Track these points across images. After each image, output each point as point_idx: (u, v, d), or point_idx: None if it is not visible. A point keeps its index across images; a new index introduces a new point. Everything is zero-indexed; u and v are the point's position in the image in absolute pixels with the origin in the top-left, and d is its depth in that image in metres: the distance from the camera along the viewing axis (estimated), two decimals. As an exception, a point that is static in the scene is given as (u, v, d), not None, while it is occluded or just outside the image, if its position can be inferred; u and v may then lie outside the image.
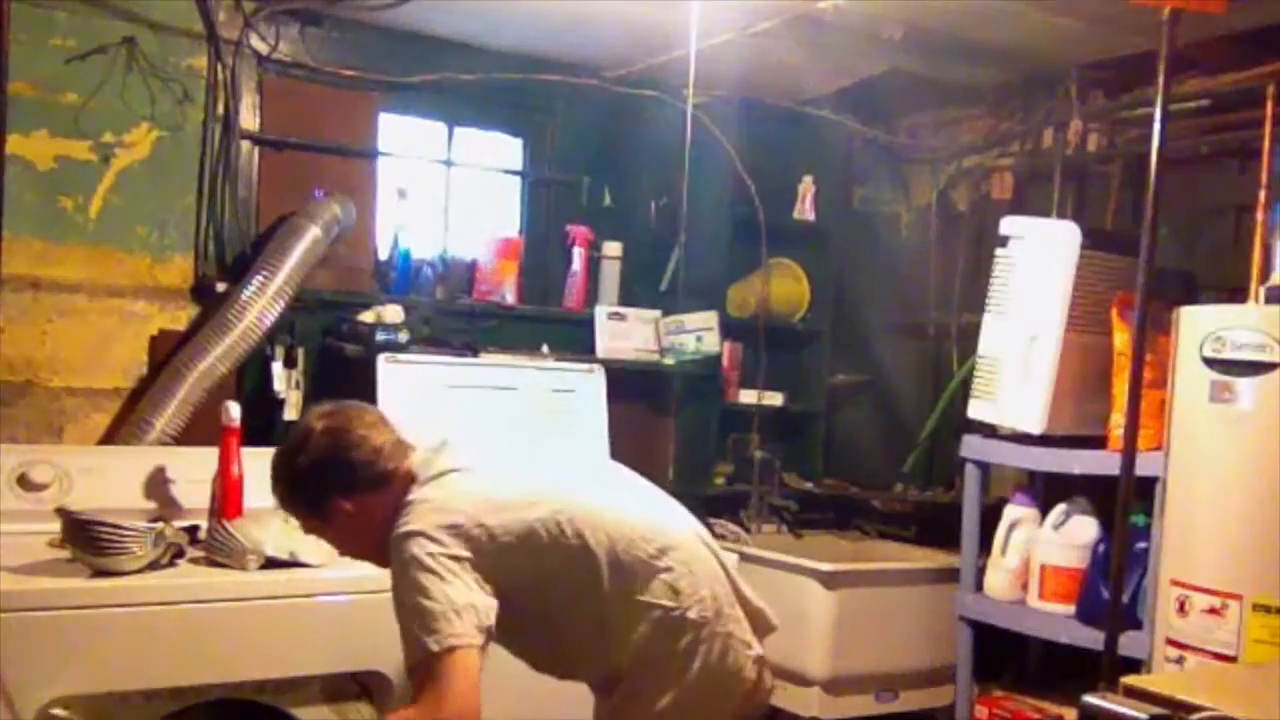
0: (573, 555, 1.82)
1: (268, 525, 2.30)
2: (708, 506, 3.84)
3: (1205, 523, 2.61)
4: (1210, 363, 2.58)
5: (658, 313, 3.87)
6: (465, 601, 1.70)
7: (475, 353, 3.26)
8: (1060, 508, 3.08)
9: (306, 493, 1.89)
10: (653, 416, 3.93)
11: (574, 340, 3.71)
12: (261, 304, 3.00)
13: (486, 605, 1.73)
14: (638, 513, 1.92)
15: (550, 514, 1.82)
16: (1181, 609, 2.59)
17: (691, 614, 1.85)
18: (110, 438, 2.99)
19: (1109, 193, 3.57)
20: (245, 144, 3.27)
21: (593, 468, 2.07)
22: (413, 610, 1.70)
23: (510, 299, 3.64)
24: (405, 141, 3.69)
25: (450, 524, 1.76)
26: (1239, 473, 2.55)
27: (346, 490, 1.86)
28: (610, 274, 3.88)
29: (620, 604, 1.84)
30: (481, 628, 1.70)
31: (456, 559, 1.73)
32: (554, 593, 1.84)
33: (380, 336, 3.09)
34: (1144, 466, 2.56)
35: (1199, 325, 2.63)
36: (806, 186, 4.08)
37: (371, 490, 1.86)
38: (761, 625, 1.97)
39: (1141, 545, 2.76)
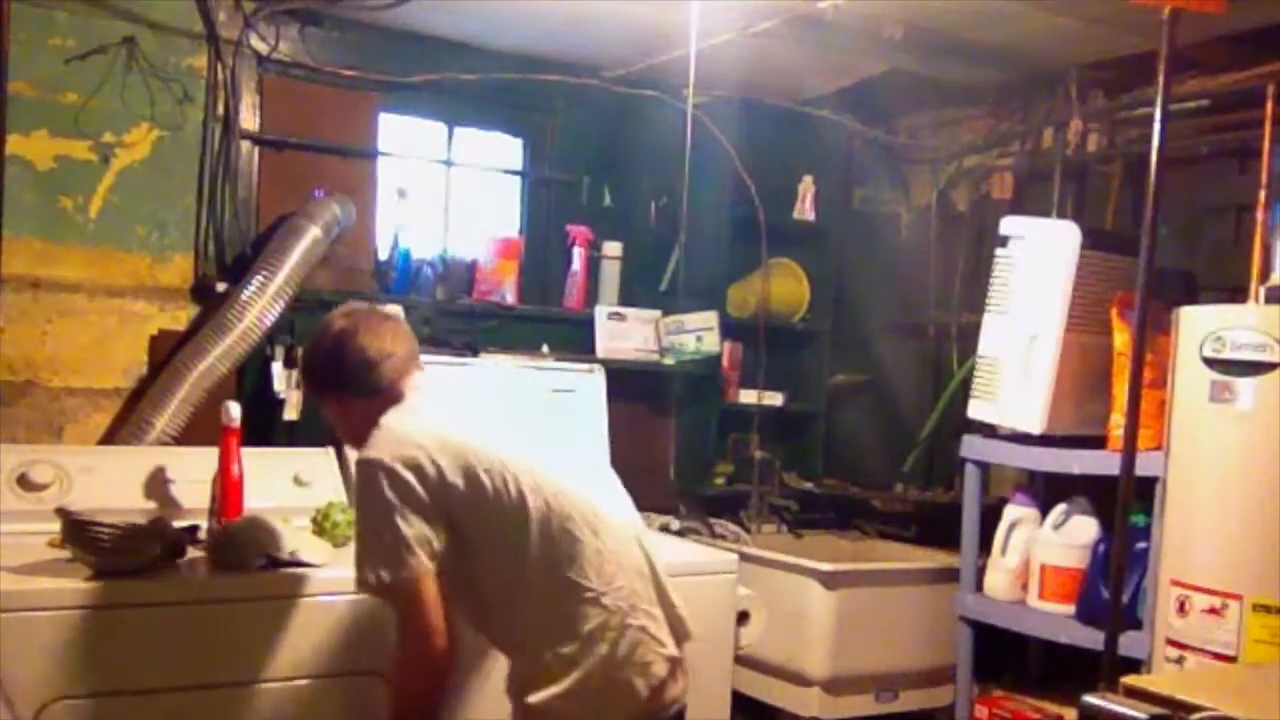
0: (508, 513, 1.88)
1: (268, 525, 2.29)
2: (708, 506, 3.84)
3: (1205, 523, 2.61)
4: (1210, 363, 2.59)
5: (658, 313, 3.87)
6: (418, 534, 1.84)
7: (475, 353, 3.26)
8: (1060, 508, 3.08)
9: (312, 381, 2.12)
10: (653, 416, 3.92)
11: (574, 340, 3.71)
12: (261, 304, 3.00)
13: (437, 534, 1.85)
14: (581, 493, 1.96)
15: (499, 468, 1.89)
16: (1181, 609, 2.59)
17: (606, 599, 1.89)
18: (110, 438, 2.99)
19: (1109, 193, 3.57)
20: (245, 144, 3.27)
21: (558, 449, 2.09)
22: (373, 541, 1.85)
23: (510, 299, 3.64)
24: (405, 141, 3.69)
25: (408, 457, 1.86)
26: (1239, 473, 2.55)
27: (339, 390, 2.04)
28: (610, 274, 3.88)
29: (540, 573, 1.89)
30: (433, 555, 1.85)
31: (410, 493, 1.84)
32: (482, 545, 1.90)
33: (380, 336, 3.08)
34: (1144, 466, 2.56)
35: (1199, 325, 2.63)
36: (806, 186, 4.08)
37: (361, 396, 2.01)
38: (680, 632, 2.01)
39: (1141, 545, 2.76)
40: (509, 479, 1.89)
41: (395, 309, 2.14)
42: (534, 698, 1.86)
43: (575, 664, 1.86)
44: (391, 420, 1.94)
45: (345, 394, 2.03)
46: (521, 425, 2.09)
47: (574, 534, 1.90)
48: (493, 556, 1.90)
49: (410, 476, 1.84)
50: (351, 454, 2.18)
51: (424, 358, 2.96)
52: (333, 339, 2.03)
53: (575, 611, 1.88)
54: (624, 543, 1.97)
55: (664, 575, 2.03)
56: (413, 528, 1.83)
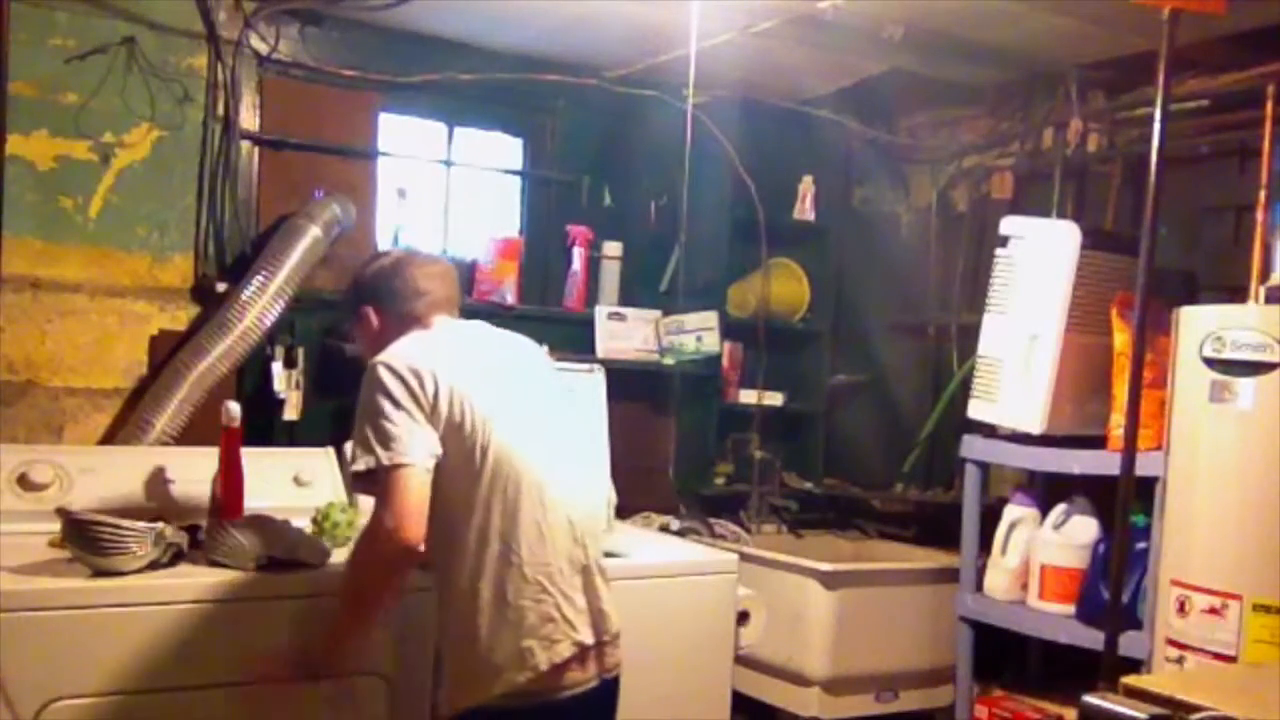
0: (471, 460, 1.95)
1: (268, 525, 2.30)
2: (708, 506, 3.84)
3: (1205, 523, 2.61)
4: (1210, 363, 2.59)
5: (658, 313, 3.87)
6: (421, 432, 1.92)
7: (475, 353, 3.25)
8: (1060, 508, 3.08)
9: (358, 291, 2.22)
10: (653, 416, 3.93)
11: (574, 340, 3.71)
12: (261, 304, 3.00)
13: (435, 439, 1.93)
14: (547, 471, 2.01)
15: (484, 416, 1.96)
16: (1181, 609, 2.59)
17: (527, 570, 1.94)
18: (110, 438, 2.99)
19: (1109, 193, 3.57)
20: (245, 144, 3.27)
21: (556, 427, 2.14)
22: (372, 426, 1.91)
23: (510, 299, 3.64)
24: (405, 141, 3.69)
25: (416, 367, 1.95)
26: (1239, 473, 2.55)
27: (378, 303, 2.17)
28: (610, 274, 3.88)
29: (478, 527, 1.94)
30: (431, 454, 1.92)
31: (414, 396, 1.93)
32: (441, 480, 1.94)
33: (380, 336, 3.09)
34: (1144, 466, 2.56)
35: (1199, 325, 2.63)
36: (806, 186, 4.09)
37: (393, 316, 2.14)
38: (600, 627, 2.03)
39: (1141, 545, 2.77)
40: (487, 431, 1.96)
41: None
42: (446, 640, 1.98)
43: (488, 619, 1.92)
44: (410, 338, 2.07)
45: (381, 309, 2.16)
46: (530, 392, 2.13)
47: (521, 504, 1.96)
48: (446, 494, 1.95)
49: (414, 383, 1.93)
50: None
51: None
52: (392, 261, 2.21)
53: (499, 573, 1.93)
54: (564, 530, 2.01)
55: (599, 573, 2.06)
56: (416, 425, 1.91)
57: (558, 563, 1.98)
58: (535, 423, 2.06)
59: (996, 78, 3.74)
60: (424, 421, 1.92)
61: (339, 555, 2.29)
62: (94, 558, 2.12)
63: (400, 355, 1.98)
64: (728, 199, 3.89)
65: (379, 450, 1.89)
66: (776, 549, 3.53)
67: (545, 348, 3.55)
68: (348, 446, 2.08)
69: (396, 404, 1.91)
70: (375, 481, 1.90)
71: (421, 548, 1.90)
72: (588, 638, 1.99)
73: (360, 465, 1.90)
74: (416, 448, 1.90)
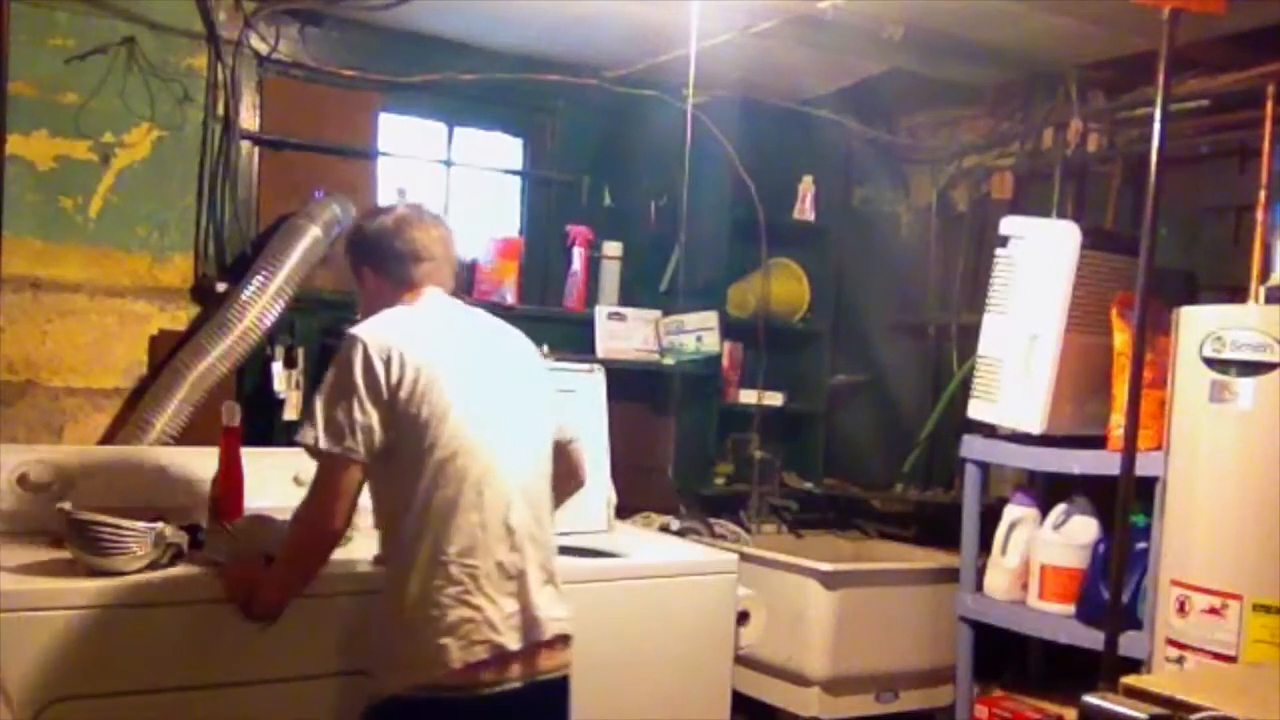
0: (422, 446, 1.96)
1: (268, 525, 2.29)
2: (708, 506, 3.84)
3: (1205, 523, 2.61)
4: (1210, 363, 2.59)
5: (658, 313, 3.87)
6: (367, 423, 1.93)
7: (475, 353, 3.25)
8: (1060, 508, 3.08)
9: (354, 248, 2.23)
10: (653, 416, 3.93)
11: (574, 340, 3.71)
12: (261, 304, 3.00)
13: (383, 429, 1.94)
14: (498, 474, 2.01)
15: (445, 406, 1.97)
16: (1181, 609, 2.59)
17: (453, 569, 1.95)
18: (110, 438, 2.99)
19: (1109, 193, 3.57)
20: (245, 144, 3.27)
21: (526, 425, 2.14)
22: (329, 409, 1.94)
23: (510, 299, 3.64)
24: (405, 141, 3.69)
25: (385, 346, 1.96)
26: (1239, 473, 2.55)
27: (374, 263, 2.18)
28: (610, 274, 3.88)
29: (416, 517, 1.96)
30: (370, 448, 1.94)
31: (375, 382, 1.94)
32: (390, 459, 1.96)
33: (380, 336, 3.09)
34: (1144, 466, 2.56)
35: (1199, 325, 2.63)
36: (806, 186, 4.09)
37: (389, 279, 2.16)
38: (533, 633, 2.02)
39: (1141, 545, 2.76)
40: (443, 427, 1.96)
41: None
42: (374, 625, 2.01)
43: (411, 612, 1.94)
44: (396, 313, 2.08)
45: (380, 270, 2.17)
46: (505, 392, 2.12)
47: (459, 504, 1.96)
48: (390, 483, 1.98)
49: (380, 366, 1.95)
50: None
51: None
52: (393, 220, 2.18)
53: (428, 569, 1.94)
54: (499, 534, 2.00)
55: (537, 580, 2.04)
56: (365, 415, 1.93)
57: (486, 565, 1.97)
58: (500, 422, 2.05)
59: (996, 78, 3.74)
60: (378, 415, 1.94)
61: (338, 555, 2.29)
62: (94, 558, 2.12)
63: (378, 334, 1.99)
64: (728, 199, 3.89)
65: (324, 435, 1.93)
66: (776, 549, 3.53)
67: (545, 348, 3.58)
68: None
69: (355, 391, 1.93)
70: (314, 460, 1.97)
71: (340, 536, 1.99)
72: (511, 643, 1.97)
73: (306, 439, 1.95)
74: (360, 441, 1.93)
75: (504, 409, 2.09)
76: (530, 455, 2.12)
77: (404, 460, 1.96)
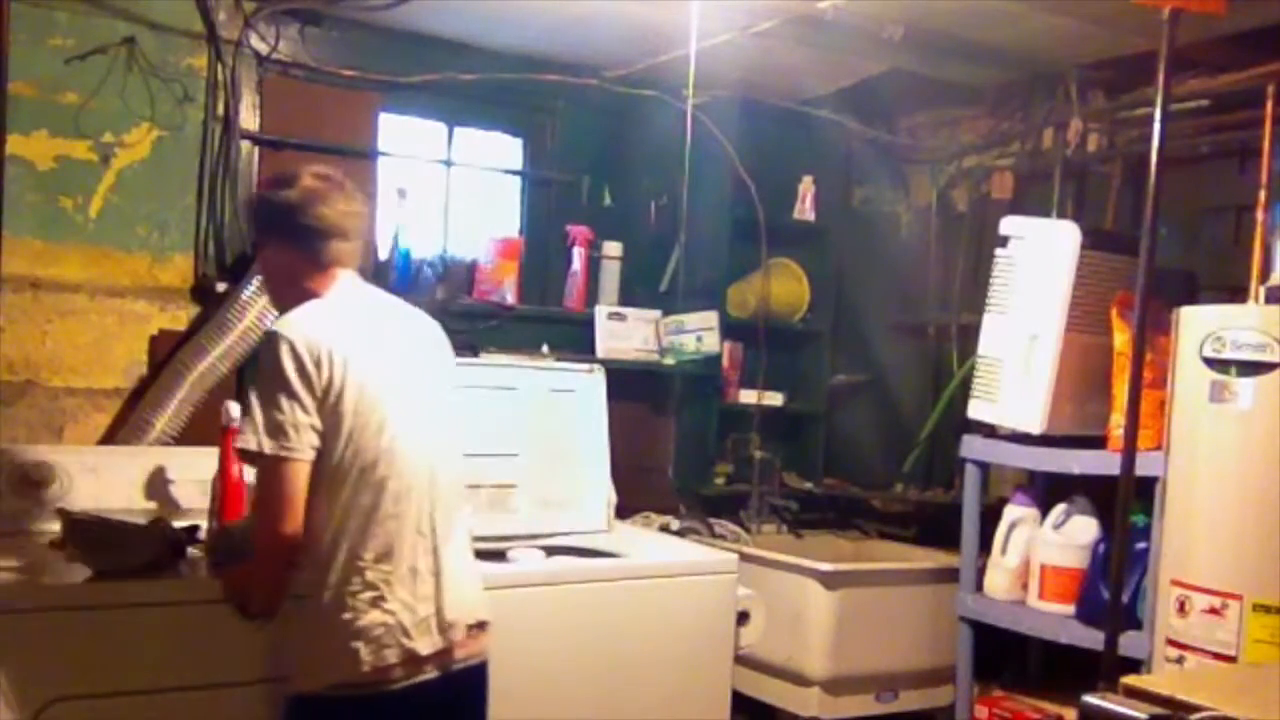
0: (350, 450, 1.94)
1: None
2: (708, 506, 3.84)
3: (1205, 523, 2.61)
4: (1210, 363, 2.59)
5: (658, 313, 3.87)
6: (308, 421, 1.90)
7: (475, 353, 3.26)
8: (1060, 508, 3.08)
9: (261, 223, 2.13)
10: (653, 416, 3.93)
11: (574, 340, 3.71)
12: (261, 304, 3.00)
13: (318, 429, 1.91)
14: (418, 477, 2.00)
15: (372, 406, 1.95)
16: (1181, 609, 2.59)
17: (369, 574, 1.94)
18: (110, 438, 2.99)
19: (1109, 193, 3.57)
20: (245, 144, 3.27)
21: (445, 421, 2.14)
22: (266, 410, 1.89)
23: (510, 299, 3.64)
24: (405, 141, 3.68)
25: (316, 347, 1.91)
26: (1239, 473, 2.55)
27: (284, 241, 2.06)
28: (610, 274, 3.88)
29: (339, 519, 1.94)
30: (313, 446, 1.91)
31: (309, 381, 1.90)
32: (318, 465, 1.93)
33: (380, 336, 3.09)
34: (1144, 466, 2.56)
35: (1199, 325, 2.63)
36: (806, 186, 4.08)
37: (297, 258, 2.05)
38: (449, 636, 2.01)
39: (1141, 545, 2.77)
40: (366, 432, 1.94)
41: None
42: (291, 622, 1.98)
43: (325, 614, 1.93)
44: (315, 308, 2.00)
45: (286, 247, 2.06)
46: (425, 389, 2.12)
47: (379, 511, 1.95)
48: (314, 485, 1.94)
49: (311, 366, 1.90)
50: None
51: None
52: (300, 194, 2.04)
53: (345, 572, 1.94)
54: (413, 538, 2.00)
55: (453, 577, 2.04)
56: (305, 413, 1.90)
57: (401, 570, 1.97)
58: (422, 425, 2.05)
59: (996, 78, 3.74)
60: (314, 412, 1.91)
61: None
62: (94, 558, 2.12)
63: (305, 332, 1.93)
64: (728, 199, 3.89)
65: (266, 438, 1.88)
66: (776, 549, 3.53)
67: (545, 347, 3.59)
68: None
69: (292, 391, 1.89)
70: (257, 467, 1.93)
71: (300, 536, 1.92)
72: (423, 648, 1.97)
73: (249, 445, 1.89)
74: (304, 441, 1.90)
75: (425, 410, 2.09)
76: (449, 451, 2.13)
77: (327, 464, 1.93)
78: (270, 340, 1.94)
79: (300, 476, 1.91)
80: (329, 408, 1.91)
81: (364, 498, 1.95)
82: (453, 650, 2.02)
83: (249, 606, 2.01)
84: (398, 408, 1.99)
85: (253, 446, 1.89)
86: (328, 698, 1.94)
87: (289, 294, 2.07)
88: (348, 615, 1.92)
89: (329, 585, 1.93)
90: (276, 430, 1.88)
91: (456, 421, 2.18)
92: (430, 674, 1.98)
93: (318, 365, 1.91)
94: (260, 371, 1.95)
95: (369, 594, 1.93)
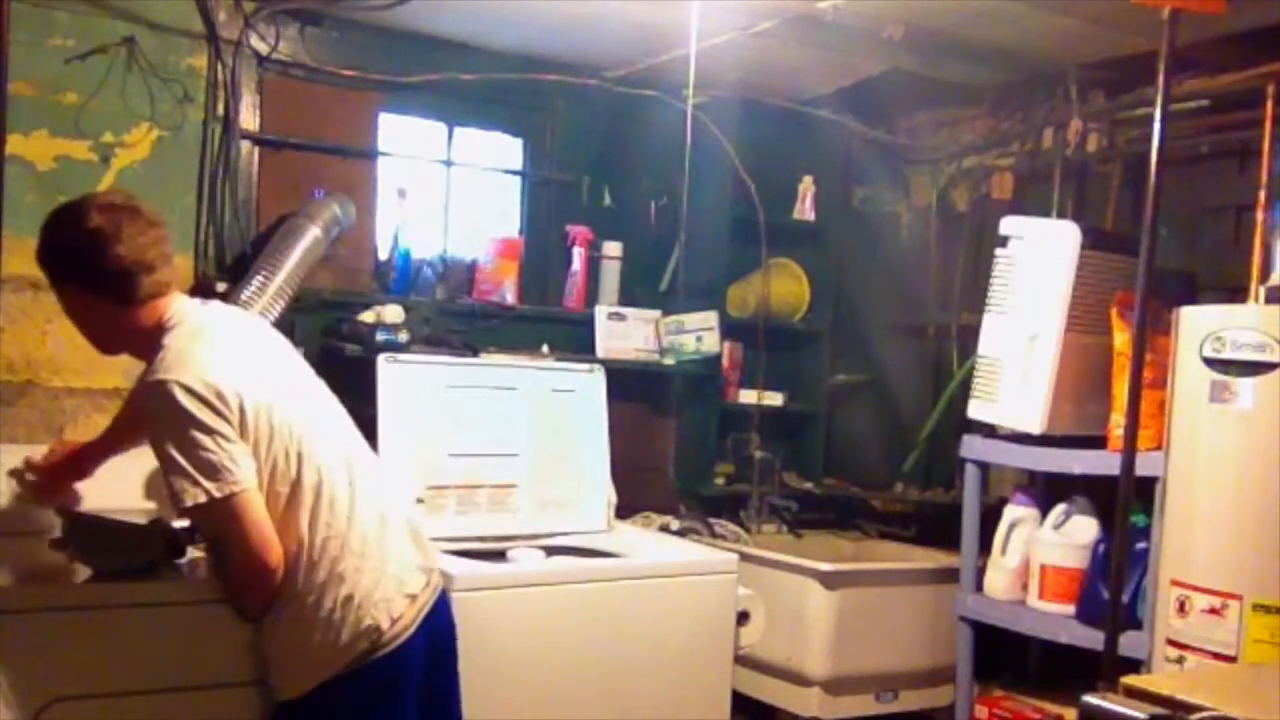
0: (292, 471, 1.94)
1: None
2: (708, 506, 3.84)
3: (1205, 523, 2.61)
4: (1210, 363, 2.59)
5: (658, 313, 3.87)
6: (239, 449, 1.85)
7: (475, 353, 3.26)
8: (1060, 508, 3.08)
9: (54, 270, 1.98)
10: (653, 416, 3.93)
11: (574, 340, 3.71)
12: (261, 304, 2.99)
13: (248, 454, 1.87)
14: (342, 470, 2.02)
15: (286, 424, 1.93)
16: (1181, 609, 2.60)
17: (341, 564, 1.96)
18: (110, 438, 2.99)
19: (1109, 193, 3.57)
20: (245, 144, 3.27)
21: (333, 410, 2.16)
22: (190, 459, 1.81)
23: (510, 299, 3.64)
24: (405, 141, 3.69)
25: (211, 382, 1.84)
26: (1239, 473, 2.55)
27: (88, 289, 1.94)
28: (610, 274, 3.88)
29: (283, 525, 1.95)
30: (255, 471, 1.87)
31: (220, 416, 1.83)
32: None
33: (380, 336, 3.09)
34: (1144, 466, 2.56)
35: (1199, 325, 2.63)
36: (806, 186, 4.09)
37: (112, 301, 1.94)
38: (416, 604, 2.05)
39: (1141, 545, 2.77)
40: (295, 443, 1.93)
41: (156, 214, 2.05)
42: (278, 635, 2.00)
43: (328, 611, 1.95)
44: (186, 344, 1.90)
45: (93, 295, 1.94)
46: (309, 387, 2.13)
47: (342, 526, 1.98)
48: (270, 508, 1.94)
49: (218, 403, 1.83)
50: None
51: (424, 357, 3.03)
52: (88, 236, 1.91)
53: (325, 587, 1.96)
54: (382, 536, 2.04)
55: (407, 552, 2.09)
56: (234, 444, 1.84)
57: (379, 570, 2.01)
58: (326, 425, 2.08)
59: (996, 78, 3.74)
60: (238, 439, 1.86)
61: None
62: (94, 558, 2.12)
63: (193, 371, 1.85)
64: (728, 199, 3.89)
65: (206, 483, 1.81)
66: (776, 549, 3.53)
67: (545, 348, 3.59)
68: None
69: (208, 430, 1.82)
70: (212, 515, 1.86)
71: (280, 557, 1.91)
72: (413, 586, 2.05)
73: (190, 501, 1.81)
74: (244, 470, 1.85)
75: (321, 410, 2.11)
76: (358, 441, 2.15)
77: (274, 484, 1.93)
78: (160, 390, 1.83)
79: (258, 504, 1.88)
80: (250, 433, 1.88)
81: (324, 517, 1.96)
82: (430, 586, 2.10)
83: (251, 608, 2.02)
84: (306, 421, 1.99)
85: (199, 500, 1.81)
86: (352, 672, 1.97)
87: (114, 340, 2.02)
88: (331, 635, 1.95)
89: (309, 604, 1.96)
90: (213, 471, 1.82)
91: (335, 402, 2.19)
92: (409, 632, 2.03)
93: (223, 399, 1.84)
94: (166, 423, 1.84)
95: (350, 606, 1.96)
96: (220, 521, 1.88)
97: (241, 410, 1.87)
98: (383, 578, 2.01)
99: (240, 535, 1.88)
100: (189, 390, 1.82)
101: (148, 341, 1.95)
